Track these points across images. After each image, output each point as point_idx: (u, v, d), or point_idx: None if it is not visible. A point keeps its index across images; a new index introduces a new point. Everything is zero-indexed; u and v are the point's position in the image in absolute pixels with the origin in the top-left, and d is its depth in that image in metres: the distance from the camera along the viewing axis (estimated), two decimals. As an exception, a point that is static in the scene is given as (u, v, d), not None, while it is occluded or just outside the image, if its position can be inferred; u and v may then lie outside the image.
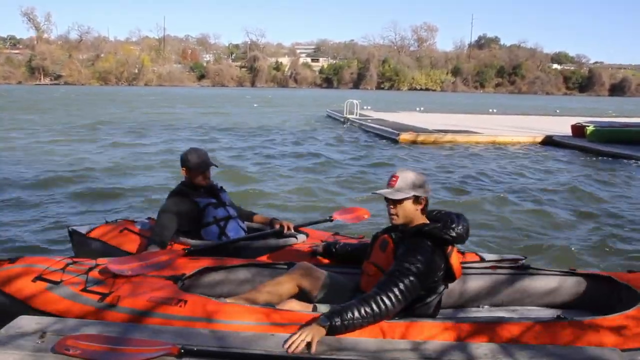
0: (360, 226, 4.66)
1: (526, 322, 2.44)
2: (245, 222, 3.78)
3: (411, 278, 2.38)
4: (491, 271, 3.09)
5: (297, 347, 2.15)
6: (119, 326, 2.37)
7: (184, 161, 3.59)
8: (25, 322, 2.34)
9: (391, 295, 2.34)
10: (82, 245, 3.96)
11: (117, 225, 3.91)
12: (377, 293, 2.35)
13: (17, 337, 2.21)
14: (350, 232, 4.21)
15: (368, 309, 2.30)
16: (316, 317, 2.37)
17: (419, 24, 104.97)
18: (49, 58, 79.08)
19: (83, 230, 4.02)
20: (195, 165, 3.55)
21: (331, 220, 4.14)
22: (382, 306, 2.32)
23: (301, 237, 3.58)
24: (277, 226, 3.66)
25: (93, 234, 3.90)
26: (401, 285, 2.36)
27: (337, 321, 2.24)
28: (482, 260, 3.40)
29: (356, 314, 2.27)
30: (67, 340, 2.14)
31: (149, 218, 4.03)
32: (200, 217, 3.51)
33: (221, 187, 3.78)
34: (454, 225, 2.50)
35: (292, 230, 3.67)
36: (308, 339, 2.17)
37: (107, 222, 4.04)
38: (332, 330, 2.24)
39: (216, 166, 3.69)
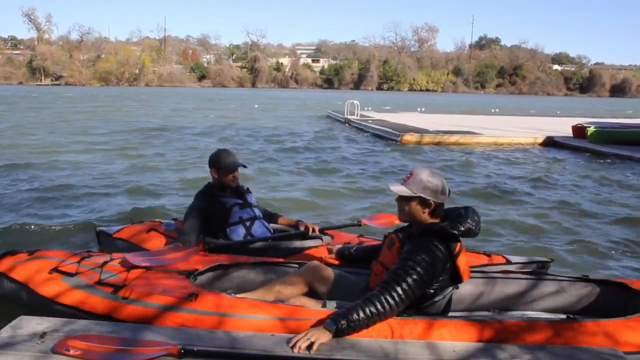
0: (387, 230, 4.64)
1: (535, 322, 2.44)
2: (270, 224, 3.80)
3: (414, 276, 2.38)
4: (502, 276, 3.08)
5: (299, 347, 2.16)
6: (119, 326, 2.38)
7: (214, 162, 3.62)
8: (26, 323, 2.34)
9: (394, 294, 2.35)
10: (109, 245, 4.03)
11: (144, 225, 3.98)
12: (381, 292, 2.36)
13: (18, 337, 2.21)
14: (376, 236, 4.18)
15: (373, 309, 2.31)
16: (325, 313, 2.40)
17: (419, 25, 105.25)
18: (49, 59, 79.17)
19: (110, 231, 4.10)
20: (225, 166, 3.59)
21: (359, 225, 4.14)
22: (386, 305, 2.33)
23: (326, 239, 3.60)
24: (302, 228, 3.69)
25: (120, 235, 3.97)
26: (404, 284, 2.37)
27: (344, 324, 2.26)
28: (509, 262, 3.41)
29: (361, 314, 2.29)
30: (67, 340, 2.14)
31: (174, 219, 4.10)
32: (226, 217, 3.55)
33: (247, 189, 3.81)
34: (461, 220, 2.49)
35: (317, 232, 3.68)
36: (312, 339, 2.19)
37: (133, 223, 4.11)
38: (338, 333, 2.26)
39: (244, 166, 3.72)
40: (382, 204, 6.80)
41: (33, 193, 7.04)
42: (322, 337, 2.21)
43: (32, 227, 5.41)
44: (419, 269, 2.39)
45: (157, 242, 3.72)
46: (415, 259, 2.41)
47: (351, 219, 5.21)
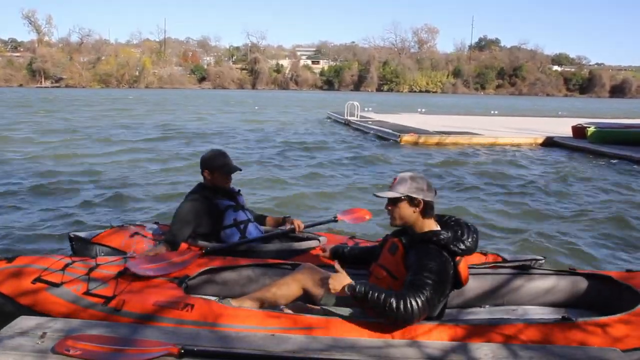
0: (379, 230, 4.64)
1: (531, 324, 2.45)
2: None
3: (435, 287, 2.39)
4: (492, 271, 3.10)
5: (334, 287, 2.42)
6: (119, 326, 2.37)
7: (209, 163, 3.54)
8: (26, 322, 2.33)
9: (419, 301, 2.32)
10: (86, 251, 3.80)
11: (126, 230, 3.81)
12: (406, 295, 2.34)
13: (17, 337, 2.20)
14: (367, 236, 4.19)
15: (394, 303, 2.31)
16: (325, 320, 2.41)
17: (419, 26, 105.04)
18: (49, 61, 79.16)
19: (87, 236, 3.87)
20: (222, 168, 3.52)
21: (336, 221, 4.13)
22: (409, 309, 2.30)
23: (322, 240, 3.60)
24: (289, 225, 3.67)
25: (100, 240, 3.77)
26: (427, 294, 2.35)
27: (362, 290, 2.38)
28: (504, 260, 3.46)
29: (382, 298, 2.33)
30: (67, 340, 2.14)
31: (156, 223, 3.97)
32: (220, 219, 3.48)
33: (238, 191, 3.76)
34: (464, 238, 2.52)
35: (302, 229, 3.68)
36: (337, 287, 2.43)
37: (113, 227, 3.92)
38: (351, 289, 2.40)
39: (240, 170, 3.66)
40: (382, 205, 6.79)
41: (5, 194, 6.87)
42: (342, 281, 2.43)
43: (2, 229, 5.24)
44: (431, 282, 2.38)
45: (143, 246, 3.55)
46: (429, 269, 2.41)
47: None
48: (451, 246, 2.48)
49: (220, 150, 3.67)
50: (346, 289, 2.41)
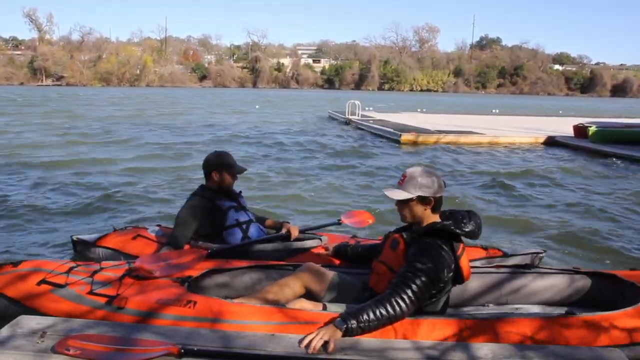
0: (380, 230, 4.62)
1: (535, 318, 2.45)
2: None
3: (423, 279, 2.38)
4: (496, 270, 3.10)
5: (314, 346, 2.15)
6: (119, 326, 2.37)
7: (218, 163, 3.55)
8: (26, 322, 2.34)
9: (405, 297, 2.34)
10: (89, 254, 3.85)
11: (129, 232, 3.84)
12: (391, 295, 2.35)
13: (18, 337, 2.20)
14: (367, 235, 4.17)
15: (383, 311, 2.30)
16: (327, 315, 2.39)
17: (420, 25, 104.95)
18: (50, 59, 79.19)
19: (90, 239, 3.91)
20: (230, 169, 3.54)
21: (339, 223, 4.13)
22: (397, 308, 2.32)
23: (324, 240, 3.61)
24: (284, 230, 3.66)
25: (103, 243, 3.81)
26: (414, 287, 2.36)
27: (353, 323, 2.25)
28: (505, 254, 3.49)
29: (371, 315, 2.28)
30: (67, 340, 2.14)
31: (159, 225, 3.99)
32: (222, 220, 3.50)
33: (240, 192, 3.77)
34: (465, 221, 2.52)
35: (297, 234, 3.66)
36: (325, 339, 2.18)
37: (115, 230, 3.95)
38: (348, 332, 2.25)
39: (246, 170, 3.69)
40: (382, 205, 6.79)
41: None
42: (333, 335, 2.21)
43: (5, 236, 5.18)
44: (427, 271, 2.39)
45: (146, 248, 3.58)
46: (423, 261, 2.41)
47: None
48: (453, 230, 2.47)
49: (226, 152, 3.69)
50: (341, 335, 2.24)
